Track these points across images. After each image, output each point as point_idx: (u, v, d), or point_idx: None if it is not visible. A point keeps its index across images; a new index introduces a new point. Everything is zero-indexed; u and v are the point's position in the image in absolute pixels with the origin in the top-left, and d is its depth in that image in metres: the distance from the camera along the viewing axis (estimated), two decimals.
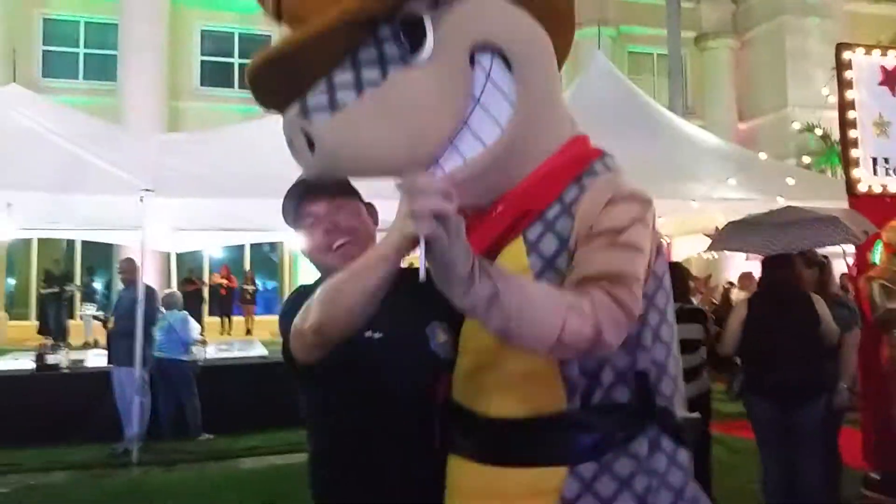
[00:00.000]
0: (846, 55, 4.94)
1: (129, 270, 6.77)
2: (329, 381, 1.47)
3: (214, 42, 17.82)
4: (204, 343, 7.66)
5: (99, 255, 15.03)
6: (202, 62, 17.56)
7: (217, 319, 15.73)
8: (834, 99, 5.18)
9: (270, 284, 19.20)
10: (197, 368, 7.14)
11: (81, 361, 7.68)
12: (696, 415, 1.36)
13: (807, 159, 15.15)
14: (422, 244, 1.03)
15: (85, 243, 13.11)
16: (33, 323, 15.07)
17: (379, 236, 1.41)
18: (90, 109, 13.72)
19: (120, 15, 15.44)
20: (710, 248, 5.47)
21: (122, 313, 6.59)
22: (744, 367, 3.84)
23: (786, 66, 18.28)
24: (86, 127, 7.24)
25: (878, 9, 19.00)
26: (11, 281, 16.63)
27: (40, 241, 13.95)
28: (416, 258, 1.07)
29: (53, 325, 13.79)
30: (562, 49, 1.38)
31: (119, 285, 7.22)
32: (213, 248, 14.62)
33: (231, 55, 17.85)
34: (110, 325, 6.91)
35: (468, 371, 1.38)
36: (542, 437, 1.28)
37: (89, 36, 17.00)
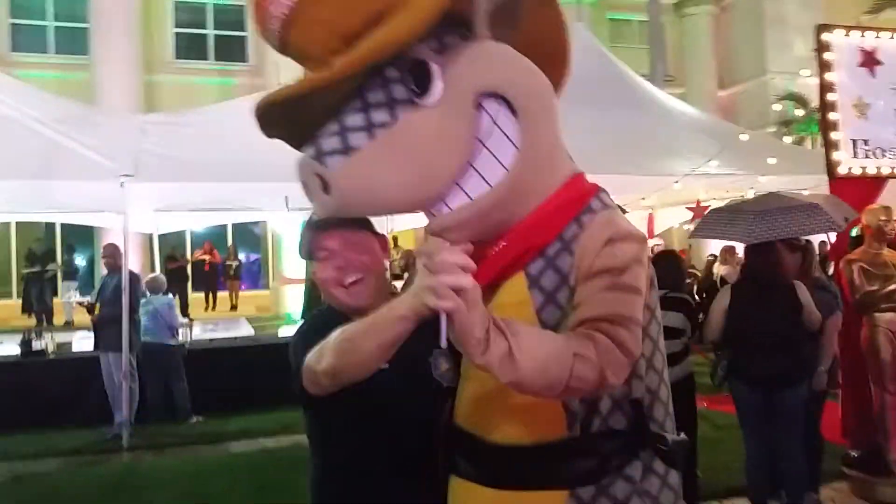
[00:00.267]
0: (825, 36, 4.91)
1: (113, 256, 6.73)
2: (335, 409, 1.51)
3: (188, 13, 17.46)
4: (190, 322, 7.66)
5: (80, 234, 14.90)
6: (176, 34, 17.23)
7: (202, 295, 15.69)
8: (812, 70, 5.18)
9: (254, 256, 19.16)
10: (184, 351, 7.17)
11: (67, 345, 7.66)
12: (683, 437, 1.43)
13: (785, 130, 15.26)
14: (443, 316, 1.10)
15: (65, 224, 12.96)
16: (16, 301, 14.97)
17: None
18: (62, 84, 13.46)
19: None
20: (692, 236, 5.58)
21: (108, 299, 6.59)
22: (728, 354, 3.93)
23: (764, 34, 18.29)
24: (63, 110, 7.10)
25: None
26: None
27: (19, 223, 13.76)
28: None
29: (37, 304, 13.72)
30: (558, 80, 1.41)
31: (103, 269, 7.17)
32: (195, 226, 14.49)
33: (205, 27, 17.52)
34: (96, 311, 6.89)
35: (472, 397, 1.42)
36: (545, 462, 1.34)
37: (59, 8, 16.58)
